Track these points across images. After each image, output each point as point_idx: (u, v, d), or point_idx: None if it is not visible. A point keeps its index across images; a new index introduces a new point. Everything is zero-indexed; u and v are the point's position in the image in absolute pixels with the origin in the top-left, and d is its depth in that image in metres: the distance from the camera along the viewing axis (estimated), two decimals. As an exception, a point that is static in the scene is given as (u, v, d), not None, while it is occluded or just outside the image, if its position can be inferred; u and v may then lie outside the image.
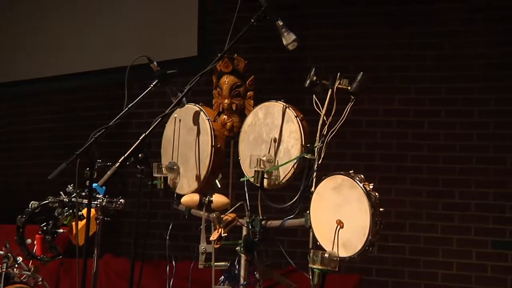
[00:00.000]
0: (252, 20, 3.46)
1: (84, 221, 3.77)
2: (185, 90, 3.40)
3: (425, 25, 5.66)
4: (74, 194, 3.97)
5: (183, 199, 3.84)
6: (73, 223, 3.89)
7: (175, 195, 4.06)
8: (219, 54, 3.69)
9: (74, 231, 3.87)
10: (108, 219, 3.90)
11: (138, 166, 3.29)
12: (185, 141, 3.97)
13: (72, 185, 3.97)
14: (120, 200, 3.95)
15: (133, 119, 6.31)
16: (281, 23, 3.51)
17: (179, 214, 4.09)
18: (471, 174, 5.44)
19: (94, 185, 3.65)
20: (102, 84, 6.53)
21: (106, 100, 6.50)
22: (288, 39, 3.51)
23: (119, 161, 3.25)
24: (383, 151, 5.70)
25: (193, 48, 5.84)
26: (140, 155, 3.28)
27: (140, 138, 3.29)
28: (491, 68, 5.45)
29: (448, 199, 5.48)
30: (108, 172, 3.25)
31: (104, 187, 3.86)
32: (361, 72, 3.55)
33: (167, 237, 3.99)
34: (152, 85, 3.69)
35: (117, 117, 3.59)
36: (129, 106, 3.62)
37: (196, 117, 3.91)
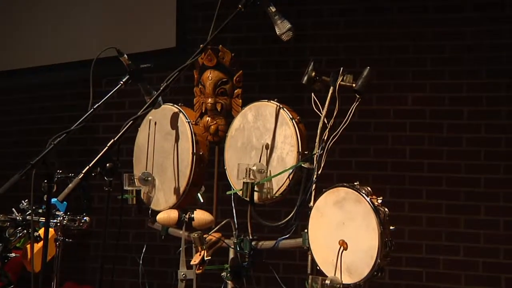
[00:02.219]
0: (240, 6, 3.50)
1: (41, 243, 3.79)
2: (162, 88, 3.42)
3: (443, 11, 5.71)
4: (29, 212, 4.00)
5: (159, 216, 3.88)
6: (28, 246, 3.92)
7: (149, 211, 4.10)
8: (201, 46, 3.73)
9: (29, 256, 3.89)
10: (70, 240, 3.93)
11: (105, 178, 3.32)
12: (162, 148, 4.01)
13: (26, 200, 4.00)
14: (84, 218, 3.99)
15: (100, 122, 6.34)
16: (273, 9, 3.56)
17: (154, 234, 4.13)
18: (499, 186, 5.47)
19: (53, 200, 3.67)
20: (63, 81, 6.55)
21: (67, 100, 6.52)
22: (282, 28, 3.55)
23: (83, 172, 3.26)
24: (395, 159, 5.73)
25: (170, 38, 5.89)
26: (108, 164, 3.30)
27: (108, 145, 3.30)
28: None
29: (472, 216, 5.51)
30: (70, 185, 3.26)
31: (65, 202, 3.88)
32: (368, 67, 3.60)
33: (140, 262, 4.02)
34: (122, 82, 3.72)
35: (81, 119, 3.61)
36: (94, 107, 3.65)
37: (174, 119, 3.95)
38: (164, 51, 5.86)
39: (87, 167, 3.26)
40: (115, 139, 3.32)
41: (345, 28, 5.95)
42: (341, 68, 3.62)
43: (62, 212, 4.02)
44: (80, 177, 3.24)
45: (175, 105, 4.02)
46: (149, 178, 4.01)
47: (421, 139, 5.70)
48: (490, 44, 5.61)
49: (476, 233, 5.52)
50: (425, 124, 5.70)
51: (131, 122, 3.39)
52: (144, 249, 4.06)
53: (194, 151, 3.87)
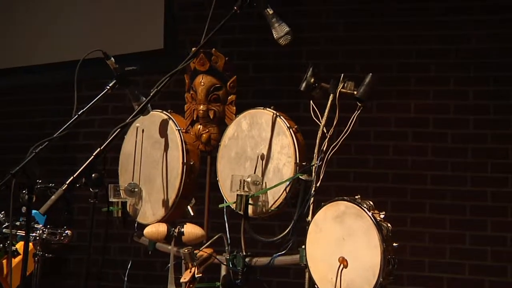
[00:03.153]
0: (235, 8, 3.55)
1: (19, 258, 3.81)
2: (152, 94, 3.47)
3: (448, 13, 5.76)
4: (6, 224, 4.01)
5: (146, 231, 3.93)
6: (4, 261, 3.93)
7: (135, 224, 4.15)
8: (192, 48, 3.78)
9: (5, 271, 3.91)
10: (50, 255, 3.95)
11: (91, 189, 3.35)
12: (150, 157, 4.05)
13: (3, 212, 4.02)
14: (66, 232, 4.01)
15: (81, 128, 6.36)
16: (271, 12, 3.61)
17: (139, 249, 4.17)
18: (508, 200, 5.52)
19: (33, 212, 3.70)
20: (41, 83, 6.57)
21: (47, 104, 6.54)
22: (280, 31, 3.61)
23: (67, 182, 3.29)
24: (397, 170, 5.77)
25: (158, 39, 5.92)
26: (93, 175, 3.34)
27: (94, 154, 3.34)
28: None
29: (478, 232, 5.56)
30: (53, 197, 3.29)
31: (45, 215, 3.91)
32: (370, 74, 3.65)
33: (125, 278, 4.06)
34: (108, 87, 3.77)
35: (64, 126, 3.66)
36: (79, 113, 3.69)
37: (163, 127, 4.00)
38: (151, 53, 5.90)
39: (72, 177, 3.29)
40: (101, 147, 3.36)
41: (344, 30, 5.99)
42: (342, 75, 3.67)
43: (41, 225, 4.03)
44: (63, 188, 3.27)
45: (164, 112, 4.07)
46: (136, 189, 4.06)
47: (424, 149, 5.74)
48: (498, 49, 5.66)
49: (482, 250, 5.55)
50: (429, 133, 5.74)
51: (119, 129, 3.44)
52: (129, 265, 4.09)
53: (185, 160, 3.92)
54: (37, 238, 3.97)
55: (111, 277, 4.14)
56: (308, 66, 3.75)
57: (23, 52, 6.48)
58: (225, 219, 3.81)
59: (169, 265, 3.87)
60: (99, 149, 3.36)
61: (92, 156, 3.35)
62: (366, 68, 5.82)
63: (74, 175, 3.30)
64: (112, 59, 3.79)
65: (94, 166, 3.34)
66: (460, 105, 5.71)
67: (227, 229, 3.78)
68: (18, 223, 4.01)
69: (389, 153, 5.82)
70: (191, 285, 3.65)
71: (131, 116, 3.48)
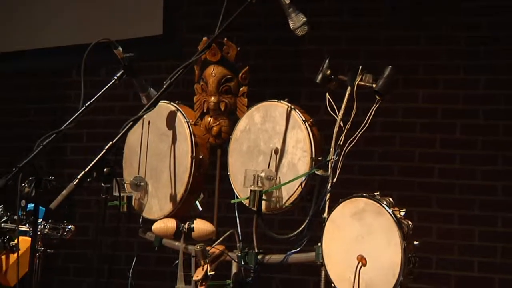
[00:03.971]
0: (251, -2, 3.67)
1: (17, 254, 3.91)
2: (165, 86, 3.56)
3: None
4: (5, 218, 4.11)
5: (155, 226, 4.05)
6: (3, 257, 4.03)
7: (140, 219, 4.28)
8: (203, 38, 3.92)
9: (4, 268, 4.00)
10: (52, 251, 4.06)
11: (102, 184, 3.47)
12: (156, 150, 4.18)
13: (1, 206, 4.11)
14: (69, 227, 4.13)
15: (68, 142, 6.50)
16: (287, 1, 3.75)
17: (145, 244, 4.29)
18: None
19: (30, 206, 3.83)
20: (26, 69, 6.64)
21: (32, 89, 6.64)
22: (297, 21, 3.75)
23: (78, 177, 3.41)
24: (403, 163, 5.91)
25: (157, 24, 6.03)
26: (105, 169, 3.45)
27: (106, 148, 3.45)
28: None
29: (488, 227, 5.70)
30: (63, 192, 3.39)
31: (43, 208, 4.01)
32: (389, 66, 3.79)
33: (130, 275, 4.20)
34: (116, 77, 3.86)
35: (72, 118, 3.75)
36: (86, 105, 3.78)
37: (171, 119, 4.13)
38: (150, 39, 6.00)
39: (83, 172, 3.41)
40: (113, 141, 3.47)
41: (348, 15, 6.10)
42: (360, 67, 3.80)
43: (41, 219, 4.11)
44: (75, 183, 3.38)
45: (172, 103, 4.18)
46: (142, 183, 4.17)
47: (432, 141, 5.87)
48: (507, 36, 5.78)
49: (492, 246, 5.69)
50: (437, 124, 5.88)
51: (131, 123, 3.55)
52: (134, 261, 4.22)
53: (194, 154, 4.04)
54: (38, 233, 4.06)
55: (116, 273, 4.25)
56: (325, 58, 3.87)
57: (10, 37, 6.55)
58: (236, 214, 3.95)
59: (177, 261, 3.99)
60: (110, 142, 3.47)
61: (104, 150, 3.46)
62: (370, 55, 5.96)
63: (86, 170, 3.42)
64: (120, 48, 3.87)
65: (106, 160, 3.46)
66: (470, 94, 5.84)
67: (238, 225, 3.93)
68: (15, 218, 4.08)
69: (395, 144, 5.92)
70: (203, 283, 3.77)
71: (144, 109, 3.57)
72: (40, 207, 3.62)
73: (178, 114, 4.12)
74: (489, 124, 5.80)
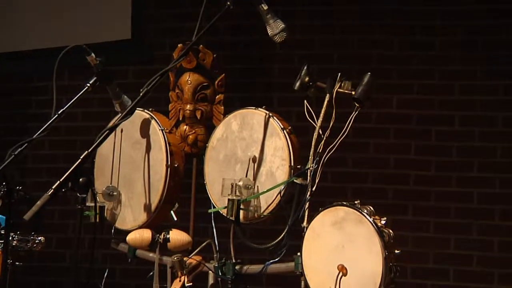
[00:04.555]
0: (228, 3, 3.79)
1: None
2: (141, 94, 3.64)
3: (432, 2, 5.99)
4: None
5: (130, 237, 4.14)
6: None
7: (113, 230, 4.37)
8: (179, 45, 4.04)
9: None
10: (20, 263, 4.13)
11: (78, 194, 3.55)
12: (130, 158, 4.28)
13: (-35, 217, 4.16)
14: (39, 238, 4.19)
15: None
16: (265, 8, 3.86)
17: (118, 256, 4.38)
18: (495, 201, 5.82)
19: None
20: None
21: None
22: (275, 28, 3.86)
23: (53, 187, 3.48)
24: (377, 170, 6.04)
25: (125, 28, 6.10)
26: (81, 179, 3.53)
27: (82, 157, 3.53)
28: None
29: (464, 235, 5.85)
30: (38, 202, 3.45)
31: (3, 216, 4.06)
32: (368, 73, 3.94)
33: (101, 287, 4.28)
34: (89, 84, 3.94)
35: (44, 126, 3.82)
36: (59, 112, 3.85)
37: (145, 127, 4.23)
38: (118, 43, 6.08)
39: (58, 182, 3.49)
40: (89, 150, 3.55)
41: (321, 18, 6.21)
42: (339, 74, 3.93)
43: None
44: (49, 193, 3.45)
45: (145, 110, 4.27)
46: (115, 193, 4.26)
47: (407, 147, 6.00)
48: (486, 41, 5.93)
49: (468, 255, 5.84)
50: (412, 130, 6.01)
51: (107, 132, 3.64)
52: (105, 273, 4.31)
53: (169, 163, 4.15)
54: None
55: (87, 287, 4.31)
56: (303, 65, 4.00)
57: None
58: (213, 223, 4.07)
59: (152, 273, 4.09)
60: (86, 152, 3.55)
61: (79, 160, 3.54)
62: (344, 59, 6.08)
63: (61, 180, 3.49)
64: (93, 54, 3.95)
65: (83, 170, 3.54)
66: (445, 100, 5.99)
67: (214, 235, 4.04)
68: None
69: (369, 151, 6.03)
70: (181, 295, 3.88)
71: (120, 117, 3.65)
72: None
73: (152, 122, 4.22)
74: (465, 131, 5.93)
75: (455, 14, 5.98)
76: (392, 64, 6.07)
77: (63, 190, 3.50)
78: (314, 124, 3.91)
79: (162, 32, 6.16)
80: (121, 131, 4.28)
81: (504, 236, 5.81)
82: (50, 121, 3.83)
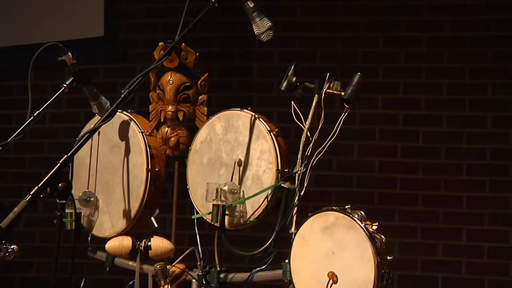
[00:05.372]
0: (213, 0, 3.86)
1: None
2: (122, 95, 3.69)
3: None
4: None
5: (109, 245, 4.19)
6: None
7: (89, 238, 4.43)
8: (160, 43, 4.12)
9: None
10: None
11: (57, 200, 3.61)
12: (108, 162, 4.34)
13: None
14: (12, 247, 4.23)
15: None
16: (251, 5, 3.93)
17: (95, 265, 4.44)
18: (484, 205, 5.95)
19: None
20: None
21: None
22: (262, 26, 3.94)
23: (31, 193, 3.53)
24: (362, 173, 6.16)
25: (98, 24, 6.15)
26: (60, 184, 3.59)
27: (61, 161, 3.58)
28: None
29: (453, 241, 5.98)
30: (15, 209, 3.49)
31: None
32: (358, 73, 4.01)
33: (78, 297, 4.33)
34: (65, 85, 3.99)
35: (19, 129, 3.89)
36: (34, 115, 3.92)
37: (124, 129, 4.30)
38: (90, 41, 6.14)
39: (36, 187, 3.55)
40: (68, 155, 3.60)
41: (302, 14, 6.31)
42: (327, 74, 4.01)
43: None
44: (27, 199, 3.50)
45: (124, 112, 4.34)
46: (92, 199, 4.32)
47: (393, 149, 6.12)
48: (473, 37, 6.06)
49: (457, 261, 5.98)
50: (398, 131, 6.13)
51: (87, 135, 3.70)
52: (82, 283, 4.36)
53: (149, 167, 4.22)
54: (-27, 255, 4.16)
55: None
56: (290, 64, 4.08)
57: None
58: (196, 230, 4.13)
59: (132, 282, 4.16)
60: (65, 156, 3.59)
61: (58, 164, 3.60)
62: (327, 57, 6.18)
63: (39, 185, 3.55)
64: (70, 54, 3.98)
65: (62, 175, 3.59)
66: (432, 100, 6.11)
67: (198, 242, 4.11)
68: None
69: (353, 154, 6.14)
70: (165, 305, 3.95)
71: (101, 120, 3.70)
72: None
73: (132, 124, 4.29)
74: (453, 132, 6.05)
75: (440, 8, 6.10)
76: (377, 62, 6.17)
77: (42, 196, 3.57)
78: (302, 126, 3.97)
79: (136, 28, 6.25)
80: (99, 133, 4.32)
81: (494, 242, 5.94)
82: (26, 123, 3.89)
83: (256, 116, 4.09)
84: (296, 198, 3.95)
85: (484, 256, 5.97)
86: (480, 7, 6.01)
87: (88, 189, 4.36)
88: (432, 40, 6.13)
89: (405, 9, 6.16)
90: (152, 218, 4.32)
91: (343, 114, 4.00)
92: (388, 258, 3.72)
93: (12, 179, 6.50)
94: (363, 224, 3.72)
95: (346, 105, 3.99)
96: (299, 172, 3.96)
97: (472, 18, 6.05)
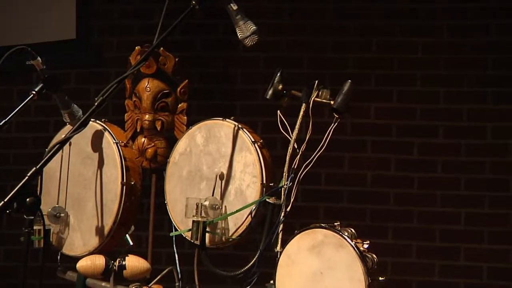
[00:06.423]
0: (194, 2, 3.86)
1: None
2: (96, 104, 3.68)
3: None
4: None
5: (80, 264, 4.15)
6: None
7: (59, 256, 4.42)
8: (137, 48, 4.13)
9: None
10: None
11: (25, 216, 3.60)
12: (79, 175, 4.33)
13: None
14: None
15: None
16: (235, 8, 3.92)
17: (65, 287, 4.43)
18: (483, 223, 5.96)
19: None
20: None
21: None
22: (246, 30, 3.94)
23: None
24: (354, 188, 6.15)
25: (69, 26, 6.13)
26: (28, 199, 3.58)
27: (29, 174, 3.57)
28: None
29: (450, 261, 6.00)
30: None
31: None
32: (349, 80, 4.02)
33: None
34: (34, 92, 3.98)
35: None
36: (1, 123, 3.91)
37: (97, 139, 4.29)
38: (61, 43, 6.12)
39: (1, 202, 3.54)
40: (37, 167, 3.60)
41: (288, 16, 6.31)
42: (316, 81, 4.02)
43: None
44: (-8, 214, 3.52)
45: (98, 121, 4.33)
46: (62, 214, 4.31)
47: (386, 162, 6.13)
48: (472, 43, 6.08)
49: (455, 283, 5.99)
50: (392, 143, 6.13)
51: (58, 146, 3.70)
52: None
53: (124, 180, 4.21)
54: None
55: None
56: (276, 71, 4.10)
57: None
58: (174, 248, 4.13)
59: (106, 304, 4.16)
60: (34, 168, 3.59)
61: (26, 177, 3.59)
62: (315, 63, 6.18)
63: (5, 200, 3.54)
64: (39, 59, 3.98)
65: (30, 189, 3.58)
66: (427, 109, 6.12)
67: (176, 261, 4.11)
68: None
69: (344, 166, 6.13)
70: (141, 329, 3.94)
71: (73, 130, 3.69)
72: None
73: (106, 134, 4.28)
74: (450, 144, 6.06)
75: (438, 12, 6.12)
76: (370, 69, 6.16)
77: (8, 211, 3.56)
78: (289, 137, 3.98)
79: (110, 30, 6.24)
80: (70, 144, 4.30)
81: (494, 262, 5.95)
82: (-1, 128, 3.88)
83: (240, 126, 4.09)
84: (282, 214, 3.95)
85: (483, 277, 5.98)
86: (480, 11, 6.03)
87: (58, 204, 4.34)
88: (428, 46, 6.14)
89: (399, 13, 6.17)
90: (127, 236, 4.31)
91: (332, 124, 3.99)
92: (380, 279, 3.73)
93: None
94: (354, 242, 3.73)
95: (335, 115, 3.99)
96: (285, 186, 3.96)
97: (471, 22, 6.07)
